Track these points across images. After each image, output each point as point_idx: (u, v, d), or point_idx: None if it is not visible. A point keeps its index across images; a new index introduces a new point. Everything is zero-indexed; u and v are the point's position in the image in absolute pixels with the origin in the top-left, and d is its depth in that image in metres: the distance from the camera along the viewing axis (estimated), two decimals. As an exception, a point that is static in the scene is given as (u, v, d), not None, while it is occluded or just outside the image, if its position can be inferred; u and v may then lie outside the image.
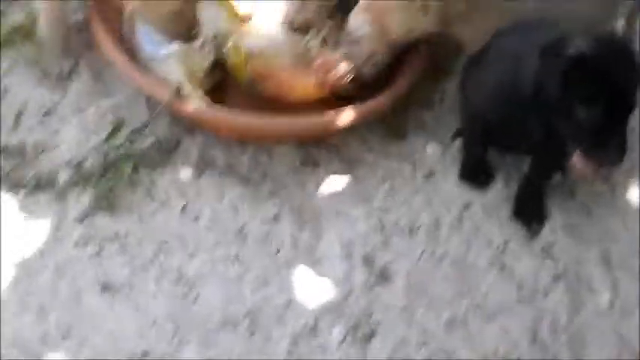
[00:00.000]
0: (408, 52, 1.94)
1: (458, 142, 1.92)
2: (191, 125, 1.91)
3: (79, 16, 2.09)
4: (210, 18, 1.89)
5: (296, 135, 1.91)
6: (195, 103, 1.78)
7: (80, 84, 1.99)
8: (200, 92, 1.81)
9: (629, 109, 1.44)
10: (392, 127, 1.98)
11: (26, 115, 1.90)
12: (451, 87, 1.99)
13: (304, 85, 1.87)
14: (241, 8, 1.88)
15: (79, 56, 2.03)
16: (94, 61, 2.01)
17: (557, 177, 1.82)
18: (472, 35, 1.80)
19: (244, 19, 1.87)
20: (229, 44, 1.85)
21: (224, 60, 1.88)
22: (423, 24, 1.81)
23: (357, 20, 1.86)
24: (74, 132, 1.89)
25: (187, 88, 1.80)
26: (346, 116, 1.83)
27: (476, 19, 1.78)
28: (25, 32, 2.03)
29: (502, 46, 1.65)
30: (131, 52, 1.89)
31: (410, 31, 1.83)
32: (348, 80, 1.85)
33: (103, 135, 1.87)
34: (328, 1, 1.89)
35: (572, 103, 1.44)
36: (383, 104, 1.89)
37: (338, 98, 1.87)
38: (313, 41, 1.87)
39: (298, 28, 1.88)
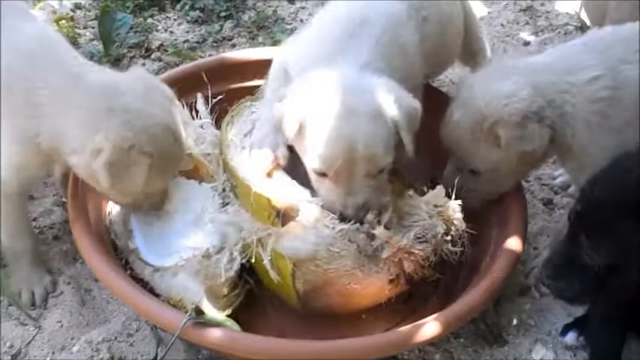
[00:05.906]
0: (503, 218, 1.62)
1: (570, 339, 1.58)
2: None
3: (53, 219, 1.74)
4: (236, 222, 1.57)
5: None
6: (221, 329, 1.41)
7: (60, 311, 1.64)
8: (225, 312, 1.50)
9: None
10: (482, 327, 1.62)
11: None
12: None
13: (375, 287, 1.51)
14: (279, 200, 1.51)
15: (56, 274, 1.69)
16: (78, 277, 1.69)
17: None
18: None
19: (286, 215, 1.49)
20: (268, 252, 1.50)
21: (251, 264, 1.56)
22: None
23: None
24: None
25: (208, 307, 1.47)
26: (429, 329, 1.43)
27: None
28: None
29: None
30: (125, 261, 1.61)
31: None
32: (428, 265, 1.50)
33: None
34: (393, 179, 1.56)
35: None
36: (477, 305, 1.49)
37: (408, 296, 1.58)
38: (377, 229, 1.47)
39: (352, 215, 1.48)
